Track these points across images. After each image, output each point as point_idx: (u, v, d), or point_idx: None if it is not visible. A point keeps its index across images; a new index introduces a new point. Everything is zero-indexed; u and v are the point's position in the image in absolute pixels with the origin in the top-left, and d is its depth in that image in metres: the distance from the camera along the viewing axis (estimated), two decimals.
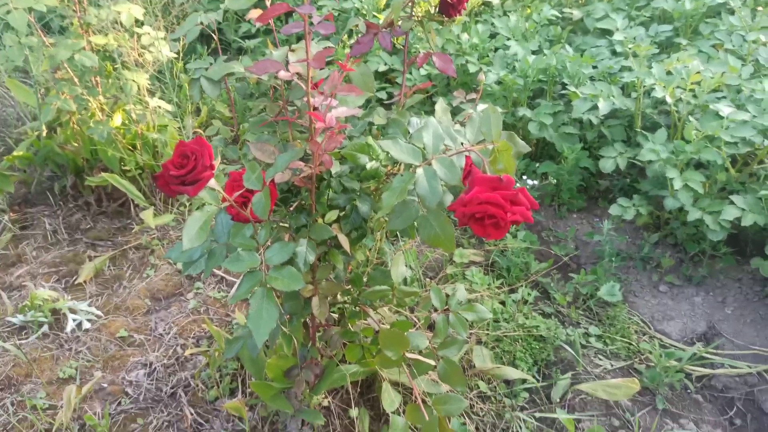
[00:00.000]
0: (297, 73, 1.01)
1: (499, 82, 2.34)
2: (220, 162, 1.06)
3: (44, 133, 2.35)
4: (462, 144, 1.03)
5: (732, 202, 1.88)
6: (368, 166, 1.17)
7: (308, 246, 1.15)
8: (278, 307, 1.05)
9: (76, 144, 2.33)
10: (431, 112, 1.29)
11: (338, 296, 1.35)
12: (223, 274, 2.14)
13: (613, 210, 2.08)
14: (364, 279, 1.28)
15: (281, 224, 1.21)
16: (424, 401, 1.16)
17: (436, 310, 1.21)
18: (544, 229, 2.34)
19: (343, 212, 1.22)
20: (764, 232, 2.07)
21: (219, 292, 2.07)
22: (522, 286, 1.98)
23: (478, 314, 1.15)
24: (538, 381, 1.70)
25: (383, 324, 1.26)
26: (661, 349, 1.84)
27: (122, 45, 2.07)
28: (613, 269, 2.09)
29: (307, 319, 1.42)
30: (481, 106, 1.22)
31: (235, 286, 0.98)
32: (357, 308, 1.35)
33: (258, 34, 3.44)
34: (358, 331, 1.31)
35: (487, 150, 0.97)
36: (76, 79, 2.09)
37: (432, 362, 1.15)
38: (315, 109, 1.03)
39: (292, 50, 1.19)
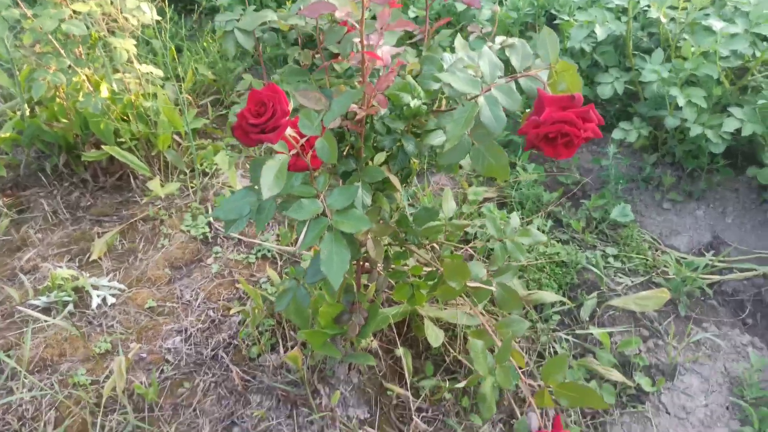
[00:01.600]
0: (349, 12, 1.00)
1: (490, 19, 2.34)
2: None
3: (27, 112, 2.26)
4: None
5: (731, 115, 1.96)
6: (411, 104, 1.18)
7: (363, 189, 1.16)
8: (348, 248, 1.07)
9: (65, 120, 2.25)
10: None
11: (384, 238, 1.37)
12: (240, 236, 2.13)
13: (616, 134, 2.14)
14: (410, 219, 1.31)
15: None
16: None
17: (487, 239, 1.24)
18: (547, 161, 2.40)
19: (389, 153, 1.23)
20: (754, 144, 2.16)
21: (239, 254, 2.07)
22: (537, 217, 2.03)
23: (534, 238, 1.19)
24: (570, 302, 1.78)
25: (433, 261, 1.29)
26: (674, 261, 1.93)
27: (106, 11, 1.99)
28: (619, 192, 2.16)
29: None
30: (499, 38, 1.23)
31: (302, 234, 0.99)
32: (402, 249, 1.37)
33: None
34: (406, 271, 1.34)
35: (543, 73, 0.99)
36: (62, 51, 2.01)
37: (492, 288, 1.19)
38: (369, 48, 1.02)
39: None
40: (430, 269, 1.33)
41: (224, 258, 2.05)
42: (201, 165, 2.38)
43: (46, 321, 1.79)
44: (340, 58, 1.23)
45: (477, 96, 1.01)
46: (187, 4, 3.32)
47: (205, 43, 2.82)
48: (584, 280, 1.86)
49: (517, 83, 1.02)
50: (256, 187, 1.16)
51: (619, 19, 2.29)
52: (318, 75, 1.26)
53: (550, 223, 2.04)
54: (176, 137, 2.44)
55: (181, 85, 2.27)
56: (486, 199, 2.10)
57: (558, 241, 1.98)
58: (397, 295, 1.32)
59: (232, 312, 1.80)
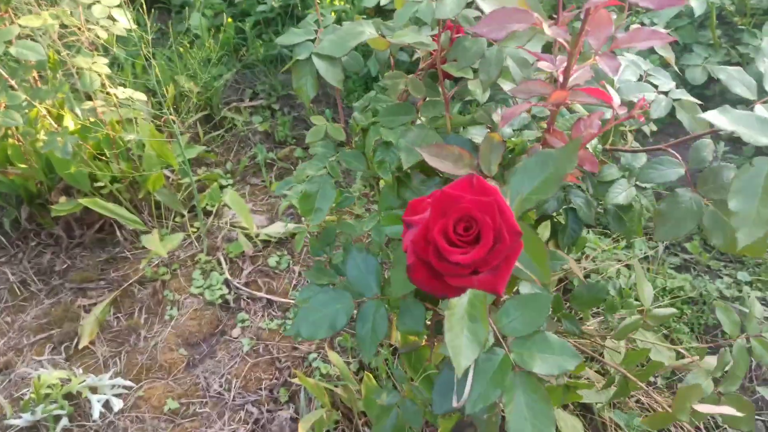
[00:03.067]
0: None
1: None
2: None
3: None
4: None
5: None
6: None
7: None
8: (545, 401, 0.68)
9: (23, 165, 1.76)
10: None
11: None
12: (267, 296, 1.70)
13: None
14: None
15: None
16: None
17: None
18: None
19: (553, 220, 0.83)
20: None
21: (271, 319, 1.64)
22: (637, 239, 1.66)
23: None
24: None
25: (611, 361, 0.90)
26: None
27: (66, 24, 1.50)
28: None
29: None
30: None
31: (465, 384, 0.59)
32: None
33: None
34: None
35: None
36: (11, 81, 1.51)
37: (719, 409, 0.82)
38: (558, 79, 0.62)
39: None
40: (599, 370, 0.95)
41: (254, 327, 1.62)
42: (203, 204, 1.93)
43: None
44: (469, 84, 0.82)
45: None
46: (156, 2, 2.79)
47: (182, 49, 2.33)
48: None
49: None
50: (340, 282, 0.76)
51: None
52: (433, 111, 0.84)
53: (650, 244, 1.68)
54: (166, 171, 1.97)
55: (168, 107, 1.80)
56: None
57: (671, 268, 1.61)
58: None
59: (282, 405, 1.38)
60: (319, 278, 1.04)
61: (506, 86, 0.84)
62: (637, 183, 0.87)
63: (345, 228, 1.02)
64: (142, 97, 1.70)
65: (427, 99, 0.87)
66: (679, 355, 1.05)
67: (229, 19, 2.52)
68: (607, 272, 1.49)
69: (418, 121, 0.87)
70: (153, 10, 2.38)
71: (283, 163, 2.20)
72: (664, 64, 1.66)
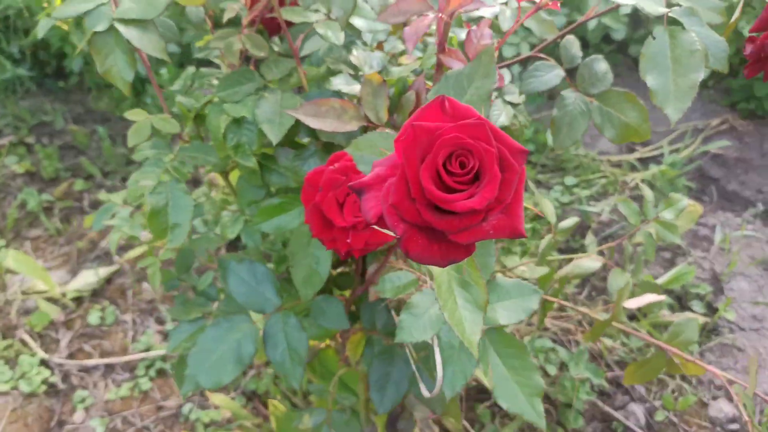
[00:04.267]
0: None
1: None
2: None
3: None
4: None
5: None
6: None
7: None
8: None
9: None
10: None
11: None
12: (103, 361, 1.39)
13: None
14: None
15: None
16: None
17: None
18: None
19: None
20: None
21: (119, 387, 1.34)
22: None
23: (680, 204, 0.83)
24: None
25: None
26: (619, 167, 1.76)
27: None
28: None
29: None
30: None
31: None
32: None
33: None
34: None
35: None
36: None
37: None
38: None
39: None
40: None
41: (100, 402, 1.31)
42: None
43: None
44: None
45: (665, 14, 0.58)
46: None
47: None
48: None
49: None
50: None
51: None
52: (280, 67, 0.69)
53: None
54: None
55: None
56: None
57: None
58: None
59: None
60: (188, 313, 0.83)
61: (357, 22, 0.72)
62: (508, 100, 0.82)
63: (202, 243, 0.82)
64: None
65: (267, 58, 0.71)
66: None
67: None
68: None
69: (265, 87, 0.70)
70: None
71: (66, 202, 1.82)
72: None
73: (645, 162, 1.86)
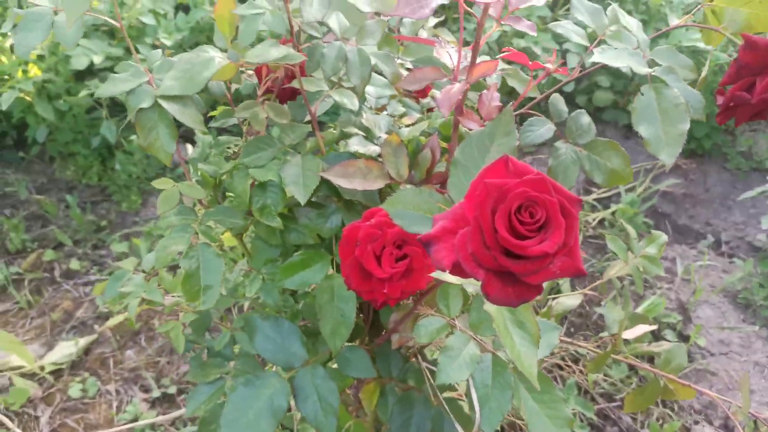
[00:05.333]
0: None
1: None
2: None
3: None
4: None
5: None
6: None
7: None
8: None
9: None
10: None
11: None
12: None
13: None
14: None
15: None
16: None
17: None
18: None
19: None
20: None
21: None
22: None
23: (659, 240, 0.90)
24: None
25: None
26: None
27: None
28: None
29: None
30: None
31: None
32: None
33: None
34: None
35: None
36: None
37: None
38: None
39: None
40: None
41: None
42: None
43: None
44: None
45: (649, 74, 0.66)
46: None
47: None
48: None
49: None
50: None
51: None
52: (296, 132, 0.73)
53: None
54: None
55: None
56: None
57: None
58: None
59: None
60: (206, 375, 0.84)
61: (368, 89, 0.78)
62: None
63: (218, 304, 0.84)
64: None
65: (285, 124, 0.75)
66: None
67: None
68: None
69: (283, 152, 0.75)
70: None
71: (35, 274, 1.77)
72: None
73: (602, 201, 1.98)
